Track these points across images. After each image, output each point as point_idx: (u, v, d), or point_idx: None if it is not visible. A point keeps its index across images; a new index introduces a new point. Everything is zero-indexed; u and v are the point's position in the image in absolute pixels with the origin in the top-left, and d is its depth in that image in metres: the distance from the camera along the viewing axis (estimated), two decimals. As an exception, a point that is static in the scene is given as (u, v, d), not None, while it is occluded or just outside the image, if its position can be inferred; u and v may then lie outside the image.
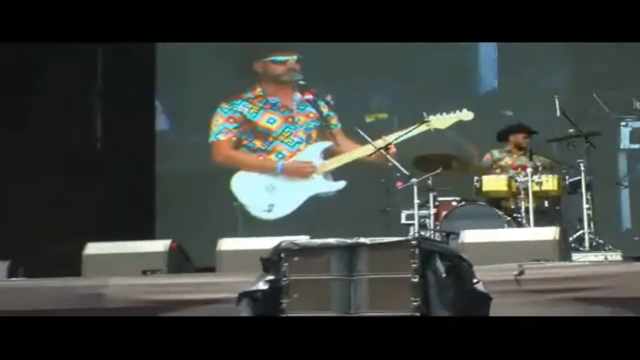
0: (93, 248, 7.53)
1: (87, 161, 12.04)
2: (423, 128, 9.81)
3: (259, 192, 11.72)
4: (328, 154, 11.68)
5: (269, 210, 11.64)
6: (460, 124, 10.15)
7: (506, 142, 9.96)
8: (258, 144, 11.91)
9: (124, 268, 7.15)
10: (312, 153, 11.75)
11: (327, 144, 11.73)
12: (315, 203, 11.57)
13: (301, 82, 11.79)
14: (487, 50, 11.60)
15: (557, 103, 9.31)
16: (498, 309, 5.54)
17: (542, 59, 11.21)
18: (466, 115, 10.05)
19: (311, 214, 11.28)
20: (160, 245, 7.46)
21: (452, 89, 11.26)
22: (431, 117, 9.87)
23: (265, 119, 11.90)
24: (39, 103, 11.56)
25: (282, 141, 11.85)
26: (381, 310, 5.21)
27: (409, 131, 9.77)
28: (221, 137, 12.00)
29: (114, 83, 12.47)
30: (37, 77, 11.54)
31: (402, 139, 9.72)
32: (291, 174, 11.69)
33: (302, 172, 11.68)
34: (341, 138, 11.59)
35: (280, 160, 11.76)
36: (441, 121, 10.00)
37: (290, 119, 11.89)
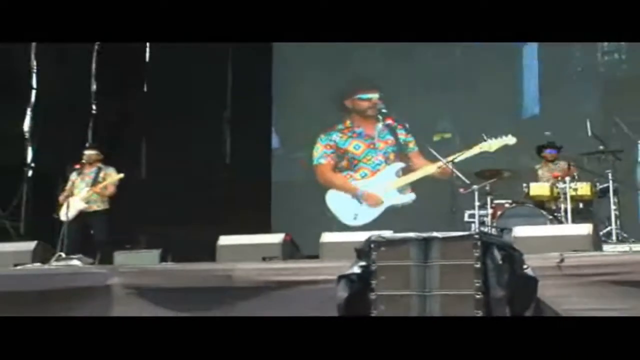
0: (225, 240, 7.58)
1: (219, 172, 12.26)
2: (477, 150, 9.80)
3: (347, 205, 12.00)
4: (402, 171, 11.79)
5: (355, 218, 11.86)
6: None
7: (542, 157, 9.87)
8: (345, 165, 12.19)
9: (248, 255, 7.18)
10: (389, 172, 11.91)
11: (401, 164, 11.87)
12: (392, 211, 11.68)
13: (383, 110, 11.81)
14: (530, 80, 11.49)
15: (588, 126, 9.19)
16: (543, 289, 5.51)
17: (576, 89, 11.08)
18: (510, 139, 9.85)
19: (389, 220, 11.25)
20: (276, 238, 7.47)
21: (501, 113, 11.26)
22: (482, 142, 9.78)
23: (352, 146, 12.19)
24: (186, 125, 11.75)
25: (365, 163, 12.09)
26: (450, 289, 5.20)
27: (463, 153, 9.69)
28: (322, 160, 12.32)
29: (240, 112, 12.66)
30: (189, 113, 11.78)
31: (461, 158, 9.62)
32: (365, 200, 11.91)
33: (373, 201, 11.85)
34: (416, 159, 11.66)
35: (360, 188, 11.97)
36: (490, 145, 9.86)
37: (372, 146, 12.10)
